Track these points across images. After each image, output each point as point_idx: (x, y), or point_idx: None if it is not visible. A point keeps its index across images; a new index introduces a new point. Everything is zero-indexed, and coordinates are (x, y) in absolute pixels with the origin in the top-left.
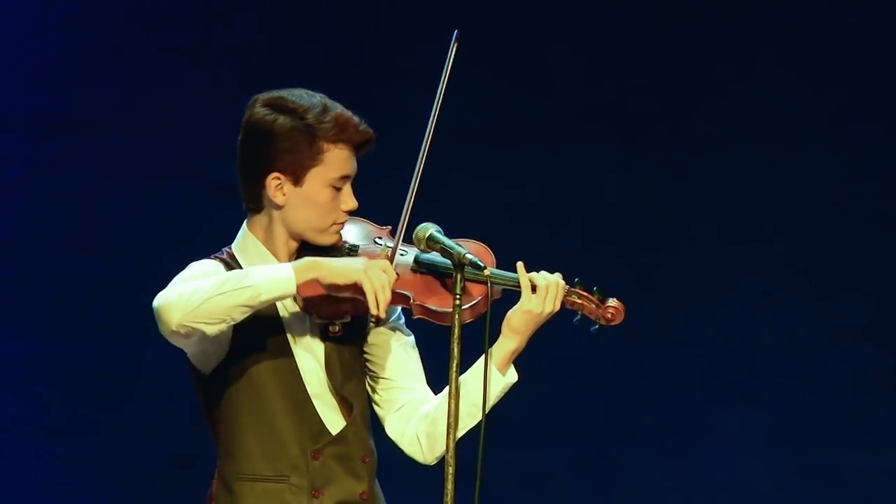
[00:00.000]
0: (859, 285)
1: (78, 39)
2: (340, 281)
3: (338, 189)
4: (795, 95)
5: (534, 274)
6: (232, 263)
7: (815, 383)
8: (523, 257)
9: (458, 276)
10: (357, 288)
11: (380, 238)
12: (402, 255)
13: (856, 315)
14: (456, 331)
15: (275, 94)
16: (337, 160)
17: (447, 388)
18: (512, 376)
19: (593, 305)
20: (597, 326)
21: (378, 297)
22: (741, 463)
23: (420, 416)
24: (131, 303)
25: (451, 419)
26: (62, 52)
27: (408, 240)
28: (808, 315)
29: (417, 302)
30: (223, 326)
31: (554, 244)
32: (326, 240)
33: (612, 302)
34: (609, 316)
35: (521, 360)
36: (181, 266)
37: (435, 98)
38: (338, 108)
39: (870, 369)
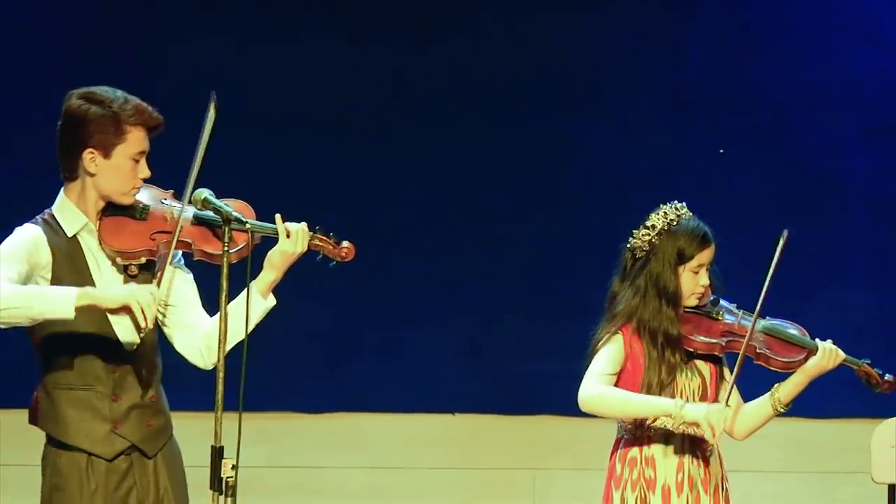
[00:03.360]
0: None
1: None
2: (112, 305)
3: (136, 161)
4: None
5: (287, 223)
6: (51, 223)
7: None
8: None
9: (227, 230)
10: (128, 308)
11: (165, 199)
12: (185, 213)
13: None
14: (225, 269)
15: (86, 89)
16: (136, 139)
17: (220, 312)
18: (271, 301)
19: (331, 247)
20: (334, 263)
21: (145, 314)
22: None
23: (200, 334)
24: None
25: (222, 335)
26: None
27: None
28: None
29: (197, 247)
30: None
31: None
32: (127, 200)
33: (345, 244)
34: (343, 254)
35: None
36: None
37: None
38: (136, 100)
39: None
